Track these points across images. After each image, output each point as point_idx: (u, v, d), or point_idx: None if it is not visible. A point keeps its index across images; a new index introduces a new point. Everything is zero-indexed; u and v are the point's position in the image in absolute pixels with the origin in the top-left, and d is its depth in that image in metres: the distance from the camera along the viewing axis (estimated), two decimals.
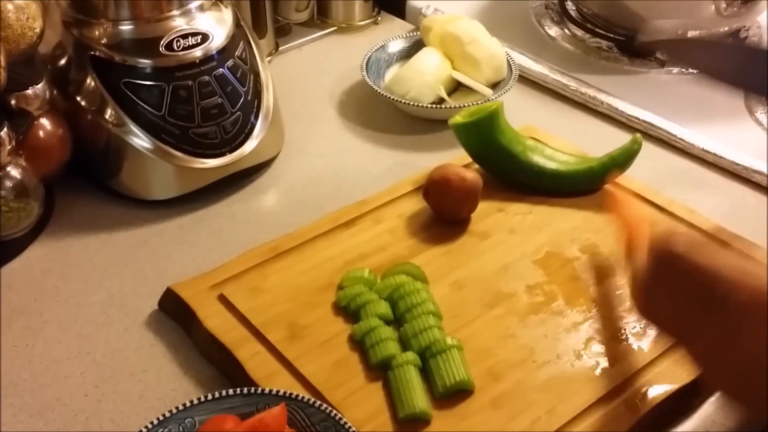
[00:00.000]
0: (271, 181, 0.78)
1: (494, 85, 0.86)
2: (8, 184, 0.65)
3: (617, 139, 0.76)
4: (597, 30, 0.98)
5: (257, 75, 0.77)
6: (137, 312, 0.64)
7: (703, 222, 0.69)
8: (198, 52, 0.71)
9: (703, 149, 0.79)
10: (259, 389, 0.53)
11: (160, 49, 0.70)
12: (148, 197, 0.74)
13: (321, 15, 1.02)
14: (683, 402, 0.57)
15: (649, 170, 0.75)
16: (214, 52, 0.72)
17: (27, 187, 0.67)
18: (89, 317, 0.64)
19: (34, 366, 0.60)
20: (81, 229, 0.72)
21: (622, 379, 0.56)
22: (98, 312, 0.64)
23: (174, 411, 0.52)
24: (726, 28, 0.97)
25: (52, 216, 0.73)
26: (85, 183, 0.76)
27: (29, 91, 0.68)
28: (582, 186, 0.73)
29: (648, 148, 0.78)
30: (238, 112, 0.74)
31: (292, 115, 0.85)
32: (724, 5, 0.89)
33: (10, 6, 0.66)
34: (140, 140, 0.71)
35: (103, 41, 0.70)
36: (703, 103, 0.88)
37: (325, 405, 0.52)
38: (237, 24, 0.76)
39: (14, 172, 0.66)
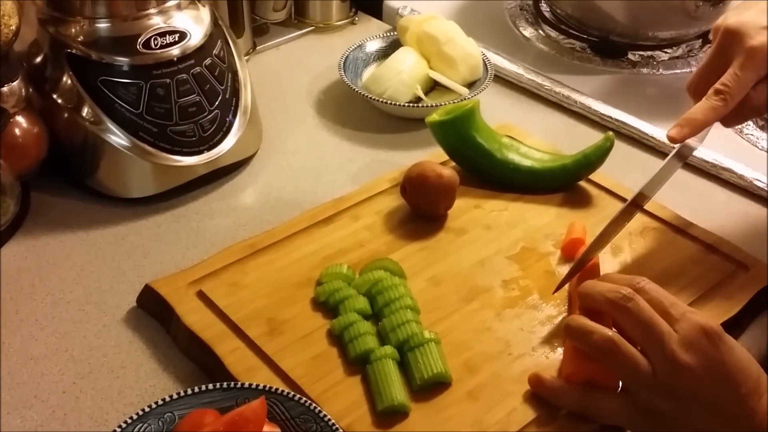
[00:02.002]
0: (249, 179, 0.78)
1: (470, 85, 0.87)
2: None
3: (590, 138, 0.77)
4: (570, 31, 1.00)
5: (235, 73, 0.77)
6: (115, 309, 0.64)
7: (673, 218, 0.71)
8: (176, 51, 0.71)
9: (673, 147, 0.81)
10: (239, 383, 0.54)
11: (138, 47, 0.70)
12: (126, 195, 0.74)
13: (298, 15, 1.02)
14: None
15: (622, 168, 0.76)
16: (192, 50, 0.72)
17: (3, 185, 0.66)
18: (66, 315, 0.64)
19: (10, 364, 0.60)
20: (57, 227, 0.72)
21: None
22: (76, 309, 0.64)
23: (153, 406, 0.52)
24: (695, 30, 0.99)
25: (28, 214, 0.73)
26: (62, 181, 0.76)
27: (5, 89, 0.68)
28: (556, 183, 0.74)
29: (620, 147, 0.79)
30: (216, 110, 0.74)
31: (270, 113, 0.85)
32: (693, 6, 0.91)
33: None
34: (118, 138, 0.71)
35: (79, 39, 0.70)
36: (674, 103, 0.89)
37: (304, 398, 0.53)
38: (215, 23, 0.76)
39: None
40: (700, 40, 1.00)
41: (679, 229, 0.70)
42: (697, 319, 0.51)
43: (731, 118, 0.64)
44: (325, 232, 0.69)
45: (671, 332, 0.50)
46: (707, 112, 0.62)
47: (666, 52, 0.98)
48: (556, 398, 0.55)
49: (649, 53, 0.97)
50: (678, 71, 0.95)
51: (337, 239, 0.68)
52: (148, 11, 0.71)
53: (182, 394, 0.52)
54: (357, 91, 0.85)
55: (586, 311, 0.55)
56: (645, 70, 0.95)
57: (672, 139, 0.63)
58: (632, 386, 0.52)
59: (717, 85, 0.62)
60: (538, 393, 0.55)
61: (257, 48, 0.97)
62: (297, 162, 0.81)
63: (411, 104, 0.84)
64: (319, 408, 0.52)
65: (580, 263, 0.63)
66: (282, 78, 0.93)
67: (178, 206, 0.74)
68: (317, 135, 0.85)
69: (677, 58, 0.98)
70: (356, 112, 0.88)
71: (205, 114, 0.73)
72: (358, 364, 0.57)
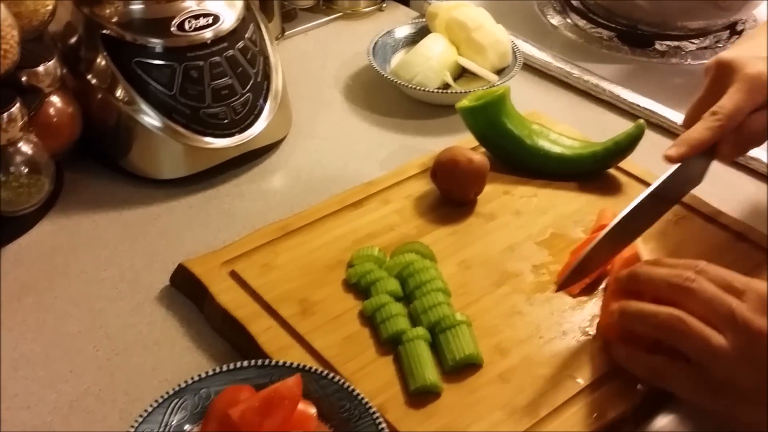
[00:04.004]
0: (278, 162, 0.79)
1: (499, 72, 0.87)
2: (20, 159, 0.66)
3: (619, 127, 0.77)
4: (598, 20, 1.00)
5: (267, 58, 0.78)
6: (149, 288, 0.65)
7: (702, 206, 0.71)
8: (209, 33, 0.72)
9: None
10: (273, 361, 0.54)
11: (172, 29, 0.70)
12: (158, 176, 0.74)
13: (326, 1, 1.02)
14: None
15: (651, 156, 0.75)
16: (225, 33, 0.73)
17: (38, 163, 0.67)
18: (100, 292, 0.64)
19: (46, 339, 0.61)
20: (90, 207, 0.73)
21: None
22: (109, 287, 0.65)
23: (189, 382, 0.52)
24: (723, 21, 0.99)
25: (61, 194, 0.74)
26: (94, 162, 0.76)
27: (40, 69, 0.69)
28: (586, 170, 0.74)
29: (649, 136, 0.79)
30: (248, 94, 0.75)
31: (299, 98, 0.86)
32: None
33: None
34: (151, 119, 0.71)
35: (114, 20, 0.71)
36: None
37: (338, 377, 0.53)
38: (247, 7, 0.77)
39: (25, 148, 0.66)
40: (728, 31, 1.00)
41: (709, 217, 0.70)
42: (762, 286, 0.51)
43: (729, 149, 0.63)
44: (355, 216, 0.69)
45: (740, 303, 0.50)
46: (703, 131, 0.61)
47: (693, 43, 0.98)
48: (628, 363, 0.55)
49: (676, 43, 0.97)
50: (706, 62, 0.94)
51: (367, 223, 0.69)
52: None
53: (218, 370, 0.53)
54: (386, 77, 0.85)
55: (629, 294, 0.55)
56: (674, 60, 0.95)
57: (669, 159, 0.62)
58: (707, 363, 0.51)
59: (713, 108, 0.62)
60: (612, 351, 0.56)
61: (285, 33, 0.97)
62: (326, 147, 0.81)
63: (440, 90, 0.84)
64: (352, 387, 0.53)
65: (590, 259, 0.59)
66: (310, 63, 0.94)
67: (209, 188, 0.75)
68: (346, 120, 0.85)
69: (705, 48, 0.97)
70: (384, 98, 0.88)
71: (238, 97, 0.74)
72: (390, 345, 0.58)
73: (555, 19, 1.02)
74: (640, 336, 0.55)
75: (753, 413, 0.50)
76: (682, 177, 0.63)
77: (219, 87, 0.72)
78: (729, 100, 0.61)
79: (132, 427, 0.50)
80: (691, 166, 0.63)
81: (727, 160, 0.65)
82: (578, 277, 0.60)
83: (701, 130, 0.61)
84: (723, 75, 0.63)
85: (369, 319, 0.60)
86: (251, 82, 0.75)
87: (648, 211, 0.62)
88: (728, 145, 0.63)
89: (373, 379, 0.56)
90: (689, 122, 0.64)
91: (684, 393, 0.53)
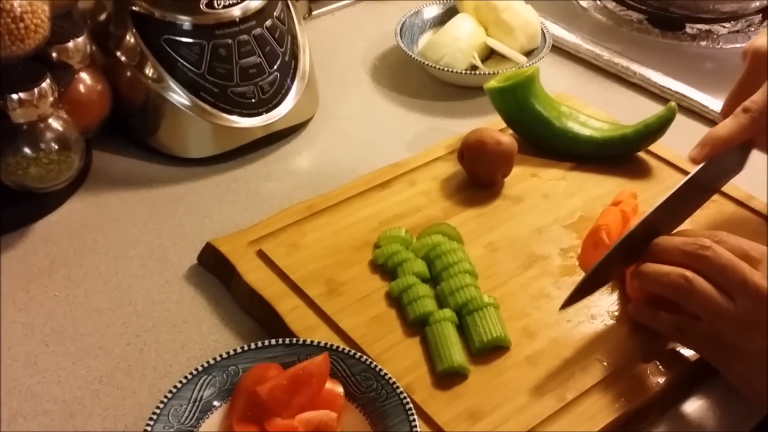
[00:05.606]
0: (305, 142, 0.79)
1: (528, 53, 0.86)
2: (50, 136, 0.66)
3: (649, 110, 0.76)
4: (628, 2, 0.98)
5: (294, 37, 0.78)
6: (177, 266, 0.65)
7: (733, 191, 0.70)
8: (237, 11, 0.72)
9: None
10: (301, 340, 0.54)
11: (201, 6, 0.70)
12: (186, 155, 0.74)
13: None
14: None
15: (682, 140, 0.74)
16: (254, 11, 0.72)
17: (68, 140, 0.67)
18: (129, 270, 0.65)
19: (75, 315, 0.61)
20: (119, 185, 0.73)
21: (655, 340, 0.57)
22: (138, 265, 0.65)
23: (218, 359, 0.53)
24: (757, 4, 0.97)
25: (90, 172, 0.74)
26: (123, 140, 0.77)
27: (70, 45, 0.69)
28: (616, 153, 0.73)
29: (680, 119, 0.78)
30: (276, 73, 0.74)
31: (326, 79, 0.85)
32: None
33: None
34: (179, 97, 0.71)
35: None
36: (736, 76, 0.87)
37: (365, 357, 0.53)
38: None
39: (56, 124, 0.67)
40: (760, 15, 0.98)
41: (740, 201, 0.69)
42: None
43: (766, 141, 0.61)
44: (382, 197, 0.69)
45: (753, 270, 0.50)
46: (732, 129, 0.59)
47: (724, 26, 0.96)
48: (651, 321, 0.56)
49: (707, 27, 0.95)
50: (738, 45, 0.93)
51: (393, 204, 0.68)
52: None
53: (246, 348, 0.53)
54: (413, 58, 0.84)
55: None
56: (704, 44, 0.93)
57: (693, 160, 0.59)
58: (716, 324, 0.52)
59: (746, 103, 0.59)
60: (635, 316, 0.57)
61: (313, 13, 0.97)
62: (352, 128, 0.81)
63: (467, 72, 0.83)
64: (379, 366, 0.53)
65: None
66: (337, 43, 0.93)
67: (236, 168, 0.75)
68: (372, 101, 0.85)
69: (737, 32, 0.95)
70: (411, 79, 0.87)
71: (265, 76, 0.73)
72: (417, 326, 0.58)
73: (585, 1, 1.00)
74: (661, 298, 0.55)
75: (760, 379, 0.51)
76: (717, 169, 0.61)
77: (247, 66, 0.72)
78: (763, 96, 0.59)
79: (162, 402, 0.50)
80: (726, 158, 0.61)
81: (766, 152, 0.63)
82: (603, 281, 0.59)
83: (731, 126, 0.59)
84: (759, 65, 0.61)
85: (395, 301, 0.60)
86: (279, 61, 0.75)
87: (682, 204, 0.60)
88: (766, 139, 0.61)
89: (399, 360, 0.56)
90: (726, 113, 0.62)
91: (699, 352, 0.55)
